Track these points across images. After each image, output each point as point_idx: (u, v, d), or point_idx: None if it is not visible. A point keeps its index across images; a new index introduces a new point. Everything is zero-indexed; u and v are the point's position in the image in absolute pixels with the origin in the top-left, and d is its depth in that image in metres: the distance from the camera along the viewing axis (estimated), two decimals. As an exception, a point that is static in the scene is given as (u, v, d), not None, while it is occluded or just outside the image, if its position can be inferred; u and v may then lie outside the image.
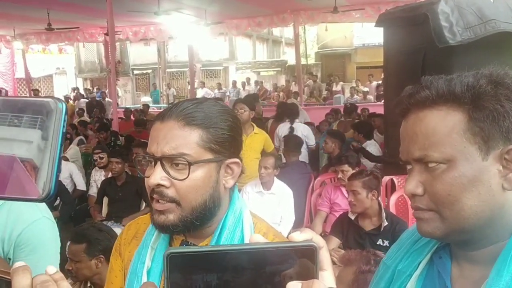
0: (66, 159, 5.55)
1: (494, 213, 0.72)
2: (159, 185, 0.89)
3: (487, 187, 0.71)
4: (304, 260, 0.46)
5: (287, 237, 0.49)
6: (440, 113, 0.73)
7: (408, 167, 0.79)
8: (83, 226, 2.54)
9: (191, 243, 0.96)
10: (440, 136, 0.72)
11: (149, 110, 11.11)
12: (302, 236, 0.46)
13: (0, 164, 0.49)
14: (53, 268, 0.48)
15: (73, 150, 6.29)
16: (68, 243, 2.35)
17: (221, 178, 0.94)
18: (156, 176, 0.88)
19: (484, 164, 0.71)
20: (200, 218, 0.92)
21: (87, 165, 6.26)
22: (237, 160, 0.96)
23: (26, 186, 0.49)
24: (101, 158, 4.86)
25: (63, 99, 0.50)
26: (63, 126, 0.49)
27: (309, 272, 0.46)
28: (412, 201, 0.78)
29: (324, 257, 0.48)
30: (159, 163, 0.89)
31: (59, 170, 0.50)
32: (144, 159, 0.93)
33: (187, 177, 0.88)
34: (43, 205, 1.22)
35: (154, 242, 0.99)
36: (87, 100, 14.21)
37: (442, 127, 0.72)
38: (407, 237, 0.91)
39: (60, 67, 21.49)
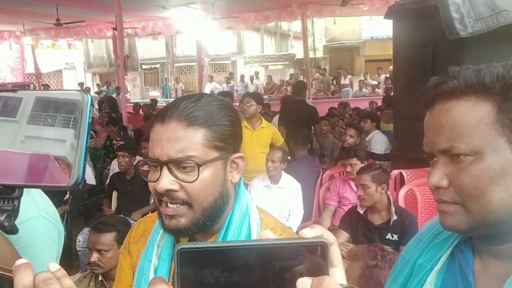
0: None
1: None
2: (168, 190, 0.87)
3: None
4: (314, 256, 0.46)
5: (298, 233, 0.49)
6: (468, 104, 0.71)
7: (433, 159, 0.77)
8: (103, 217, 2.57)
9: (198, 240, 0.96)
10: (467, 127, 0.70)
11: (158, 105, 11.15)
12: (312, 233, 0.46)
13: (36, 161, 0.52)
14: (56, 265, 0.48)
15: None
16: (90, 234, 2.37)
17: (227, 174, 0.93)
18: (165, 181, 0.86)
19: None
20: (212, 218, 0.91)
21: (96, 160, 6.31)
22: (241, 154, 0.95)
23: (59, 178, 0.52)
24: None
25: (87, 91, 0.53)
26: (89, 117, 0.52)
27: (319, 268, 0.45)
28: (435, 194, 0.76)
29: (335, 253, 0.47)
30: (165, 167, 0.87)
31: (86, 158, 0.52)
32: (148, 164, 0.92)
33: (196, 178, 0.86)
34: (42, 204, 1.22)
35: (160, 240, 0.99)
36: (95, 95, 14.28)
37: (470, 118, 0.70)
38: (426, 231, 0.89)
39: (69, 62, 21.67)
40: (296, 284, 0.44)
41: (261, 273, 0.45)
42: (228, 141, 0.91)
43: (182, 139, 0.87)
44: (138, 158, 4.87)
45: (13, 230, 0.56)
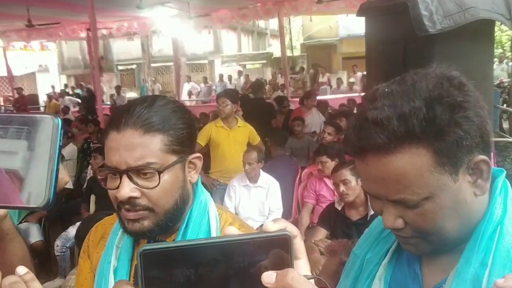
0: (62, 157, 5.53)
1: (471, 219, 0.74)
2: (130, 197, 0.87)
3: (464, 204, 0.72)
4: (278, 250, 0.46)
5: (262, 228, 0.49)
6: (404, 156, 0.69)
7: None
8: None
9: (158, 238, 0.96)
10: (412, 179, 0.70)
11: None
12: (275, 226, 0.47)
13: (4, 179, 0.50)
14: (23, 268, 0.47)
15: (71, 148, 6.27)
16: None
17: (186, 176, 0.95)
18: (126, 189, 0.86)
19: (457, 186, 0.71)
20: (174, 219, 0.93)
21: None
22: (198, 154, 0.97)
23: (11, 195, 0.50)
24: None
25: (57, 116, 0.52)
26: (60, 140, 0.52)
27: (284, 261, 0.46)
28: (393, 231, 0.78)
29: (299, 245, 0.48)
30: (125, 175, 0.86)
31: (56, 180, 0.52)
32: (108, 173, 0.90)
33: (158, 184, 0.87)
34: None
35: (119, 241, 0.99)
36: (71, 98, 14.01)
37: (412, 170, 0.69)
38: (375, 226, 0.91)
39: (42, 64, 21.16)
40: (261, 278, 0.45)
41: (227, 269, 0.45)
42: (185, 144, 0.93)
43: (139, 146, 0.86)
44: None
45: None
